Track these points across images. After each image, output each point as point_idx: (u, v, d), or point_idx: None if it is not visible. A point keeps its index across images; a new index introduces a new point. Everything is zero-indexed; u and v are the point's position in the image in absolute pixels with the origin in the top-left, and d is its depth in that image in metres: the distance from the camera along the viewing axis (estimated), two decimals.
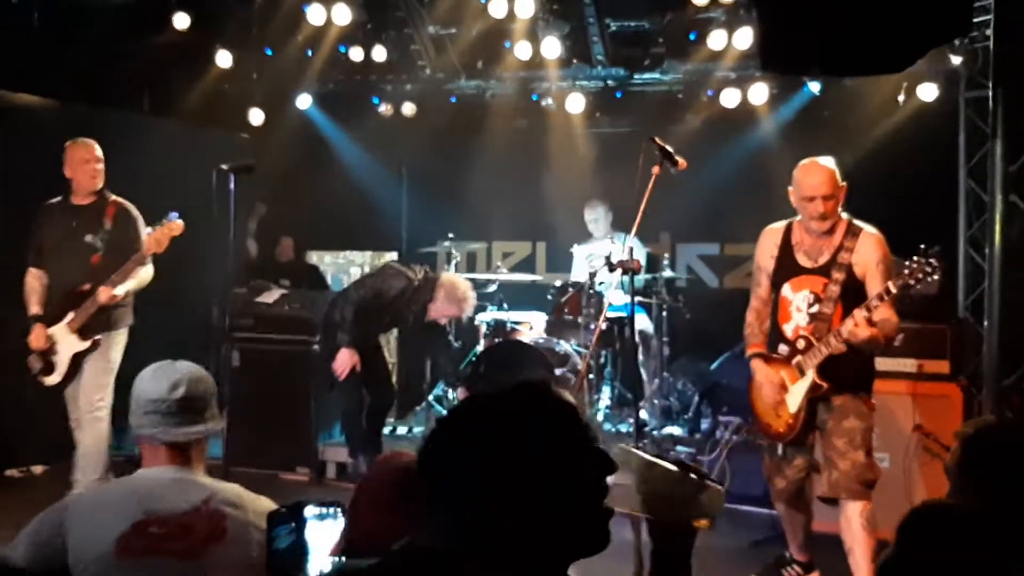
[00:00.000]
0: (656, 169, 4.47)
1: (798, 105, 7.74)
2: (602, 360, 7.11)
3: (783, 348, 4.25)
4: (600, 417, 6.93)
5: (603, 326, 5.07)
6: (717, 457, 6.12)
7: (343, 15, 7.31)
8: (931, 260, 3.84)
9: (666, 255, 7.84)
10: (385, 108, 8.53)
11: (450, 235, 7.75)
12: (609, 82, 8.11)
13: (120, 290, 5.20)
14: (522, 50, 7.41)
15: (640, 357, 7.06)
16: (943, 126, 7.05)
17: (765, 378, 4.26)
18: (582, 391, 6.13)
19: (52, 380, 5.25)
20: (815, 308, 4.16)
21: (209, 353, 6.44)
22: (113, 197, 5.40)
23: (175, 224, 5.18)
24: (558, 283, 7.28)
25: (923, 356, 5.33)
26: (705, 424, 7.10)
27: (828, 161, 4.18)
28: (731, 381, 6.72)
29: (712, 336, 7.36)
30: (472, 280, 6.62)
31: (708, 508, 1.76)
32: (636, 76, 7.91)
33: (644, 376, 7.19)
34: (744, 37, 6.88)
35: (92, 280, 5.20)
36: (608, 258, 4.96)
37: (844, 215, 4.21)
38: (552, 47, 7.25)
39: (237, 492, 2.50)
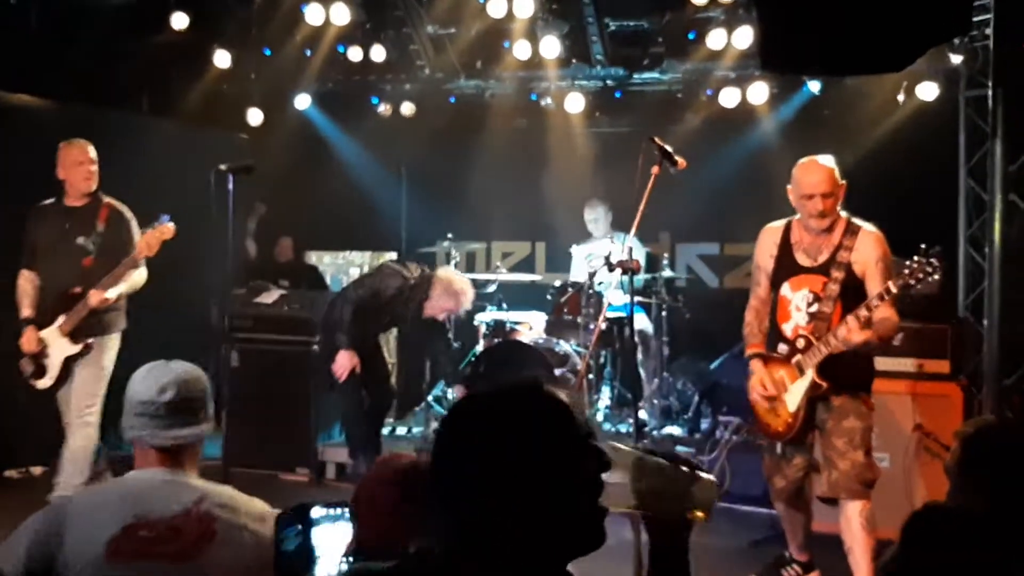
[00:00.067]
0: (656, 169, 4.46)
1: (798, 105, 7.74)
2: (602, 360, 7.09)
3: (782, 347, 4.24)
4: (600, 417, 6.92)
5: (602, 326, 5.06)
6: (717, 457, 6.11)
7: (342, 15, 7.30)
8: (932, 260, 3.84)
9: (666, 255, 7.83)
10: (384, 108, 8.53)
11: (449, 235, 7.74)
12: (608, 82, 8.10)
13: (111, 293, 5.15)
14: (521, 50, 7.41)
15: (640, 357, 7.06)
16: (943, 125, 7.04)
17: (757, 382, 4.27)
18: (582, 391, 6.12)
19: (44, 383, 5.21)
20: (814, 307, 4.16)
21: (208, 353, 6.42)
22: (107, 199, 5.34)
23: (166, 227, 5.13)
24: (557, 283, 7.27)
25: (923, 356, 5.32)
26: (705, 424, 7.09)
27: (827, 159, 4.18)
28: (731, 381, 6.70)
29: (712, 336, 7.36)
30: (472, 280, 6.61)
31: (702, 499, 1.75)
32: (635, 76, 7.90)
33: (644, 376, 7.19)
34: (743, 37, 6.88)
35: (84, 283, 5.14)
36: (607, 258, 4.93)
37: (843, 213, 4.21)
38: (551, 47, 7.25)
39: (230, 494, 2.47)
